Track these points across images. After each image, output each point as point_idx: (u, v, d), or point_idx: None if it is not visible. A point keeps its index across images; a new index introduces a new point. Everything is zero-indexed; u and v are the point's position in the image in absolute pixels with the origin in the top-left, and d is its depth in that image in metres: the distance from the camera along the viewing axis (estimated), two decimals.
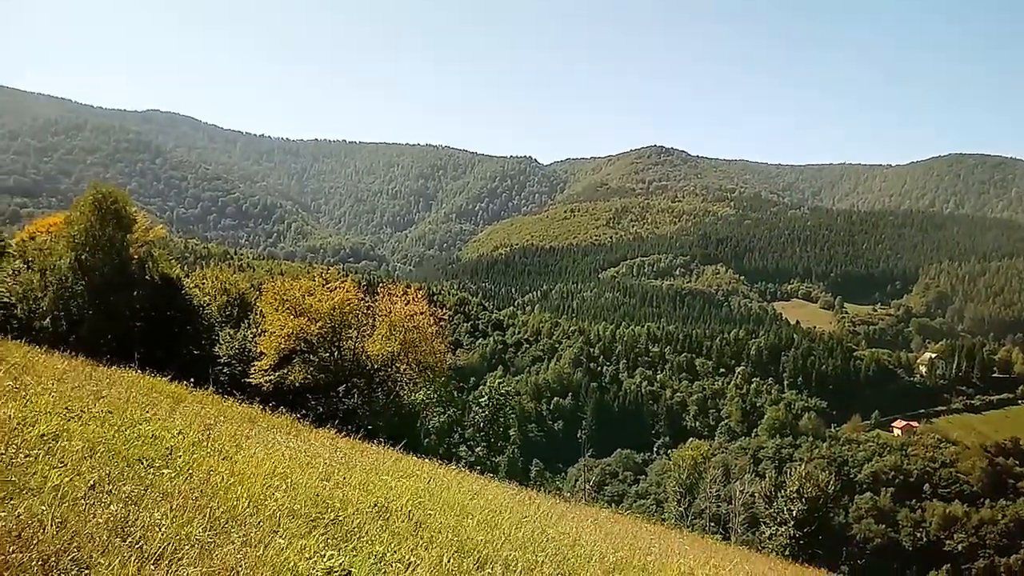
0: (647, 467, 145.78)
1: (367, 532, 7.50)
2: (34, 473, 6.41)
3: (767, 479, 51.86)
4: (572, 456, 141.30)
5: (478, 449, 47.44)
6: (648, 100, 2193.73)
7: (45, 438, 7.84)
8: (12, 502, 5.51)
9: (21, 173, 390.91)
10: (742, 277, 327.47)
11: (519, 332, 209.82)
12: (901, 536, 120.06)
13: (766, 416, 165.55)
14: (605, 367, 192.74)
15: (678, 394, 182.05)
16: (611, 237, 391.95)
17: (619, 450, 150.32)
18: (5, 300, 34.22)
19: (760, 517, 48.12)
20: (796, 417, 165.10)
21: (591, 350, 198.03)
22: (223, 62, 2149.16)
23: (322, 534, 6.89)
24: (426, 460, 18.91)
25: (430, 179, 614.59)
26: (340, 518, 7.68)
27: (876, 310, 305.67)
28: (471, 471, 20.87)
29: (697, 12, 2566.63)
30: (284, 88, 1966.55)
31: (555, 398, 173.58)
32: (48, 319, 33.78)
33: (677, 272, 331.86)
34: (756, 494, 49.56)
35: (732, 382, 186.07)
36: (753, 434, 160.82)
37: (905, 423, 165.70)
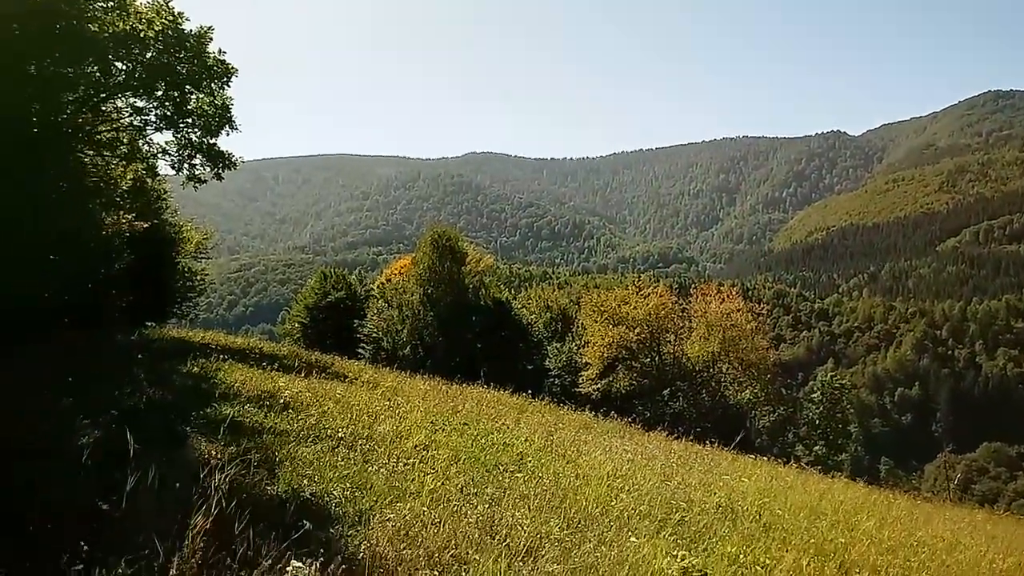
0: None
1: (716, 533, 7.32)
2: (412, 479, 7.29)
3: None
4: (927, 452, 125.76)
5: (816, 448, 44.57)
6: (975, 40, 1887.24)
7: (418, 448, 8.93)
8: (398, 505, 6.29)
9: (375, 226, 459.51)
10: None
11: (848, 320, 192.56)
12: None
13: None
14: (957, 350, 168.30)
15: None
16: (946, 204, 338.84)
17: (986, 443, 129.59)
18: (374, 335, 40.10)
19: None
20: None
21: (937, 333, 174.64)
22: (524, 98, 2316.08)
23: (670, 534, 6.87)
24: (761, 460, 17.98)
25: (731, 172, 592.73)
26: (686, 518, 7.61)
27: None
28: (811, 470, 19.37)
29: None
30: (578, 110, 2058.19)
31: (899, 388, 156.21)
32: (408, 348, 38.80)
33: None
34: None
35: None
36: None
37: None
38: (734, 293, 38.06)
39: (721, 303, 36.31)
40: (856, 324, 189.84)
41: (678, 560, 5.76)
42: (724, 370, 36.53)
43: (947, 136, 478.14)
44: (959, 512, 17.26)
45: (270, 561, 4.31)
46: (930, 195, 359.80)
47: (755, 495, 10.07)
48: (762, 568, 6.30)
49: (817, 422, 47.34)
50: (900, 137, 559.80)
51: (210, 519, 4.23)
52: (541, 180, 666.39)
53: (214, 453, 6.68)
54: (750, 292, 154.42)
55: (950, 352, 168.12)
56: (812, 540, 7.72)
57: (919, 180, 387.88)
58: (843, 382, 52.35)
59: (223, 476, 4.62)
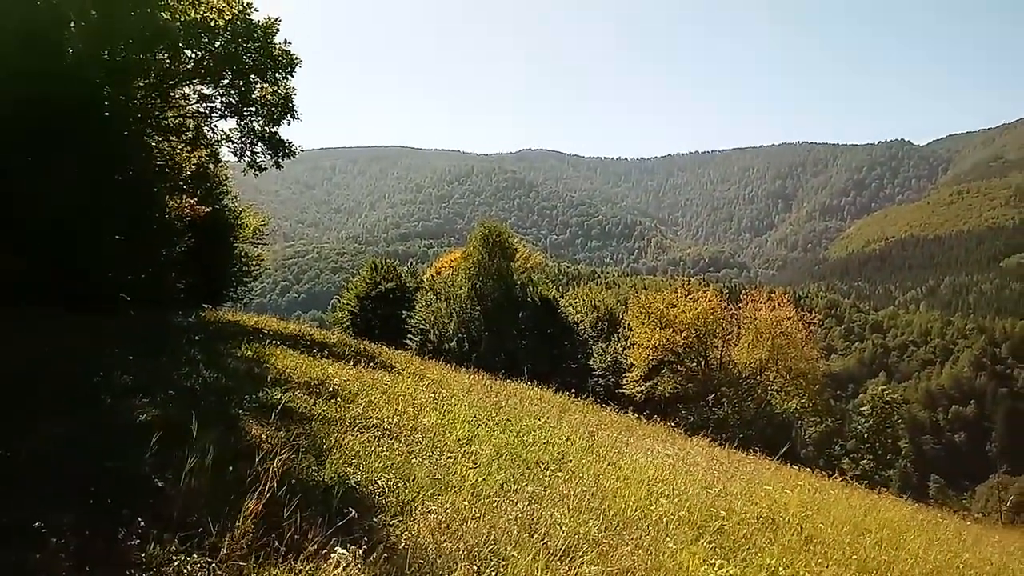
0: None
1: (755, 543, 7.25)
2: (454, 473, 7.36)
3: None
4: (980, 472, 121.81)
5: (863, 462, 43.80)
6: None
7: (460, 442, 8.99)
8: (440, 498, 6.38)
9: (427, 219, 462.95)
10: None
11: (902, 333, 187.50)
12: None
13: None
14: (1017, 369, 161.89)
15: None
16: (1013, 218, 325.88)
17: None
18: (422, 327, 40.53)
19: None
20: None
21: (996, 350, 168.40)
22: (580, 97, 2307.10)
23: (709, 542, 6.82)
24: (806, 472, 17.67)
25: (788, 178, 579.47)
26: (725, 527, 7.54)
27: None
28: (856, 485, 18.97)
29: None
30: (635, 112, 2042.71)
31: (953, 406, 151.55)
32: (454, 341, 39.10)
33: None
34: None
35: None
36: None
37: None
38: (785, 300, 37.34)
39: (772, 310, 35.67)
40: (911, 338, 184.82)
41: (715, 569, 5.73)
42: (771, 378, 35.90)
43: (1016, 149, 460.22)
44: (1010, 535, 16.76)
45: (315, 546, 4.44)
46: (996, 209, 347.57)
47: (797, 507, 9.93)
48: None
49: (866, 436, 46.36)
50: (967, 149, 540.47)
51: (261, 503, 4.38)
52: (594, 179, 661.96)
53: (265, 437, 6.88)
54: (802, 300, 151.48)
55: (1009, 371, 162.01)
56: (854, 556, 7.59)
57: (985, 193, 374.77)
58: (894, 396, 51.07)
59: (276, 462, 4.77)
